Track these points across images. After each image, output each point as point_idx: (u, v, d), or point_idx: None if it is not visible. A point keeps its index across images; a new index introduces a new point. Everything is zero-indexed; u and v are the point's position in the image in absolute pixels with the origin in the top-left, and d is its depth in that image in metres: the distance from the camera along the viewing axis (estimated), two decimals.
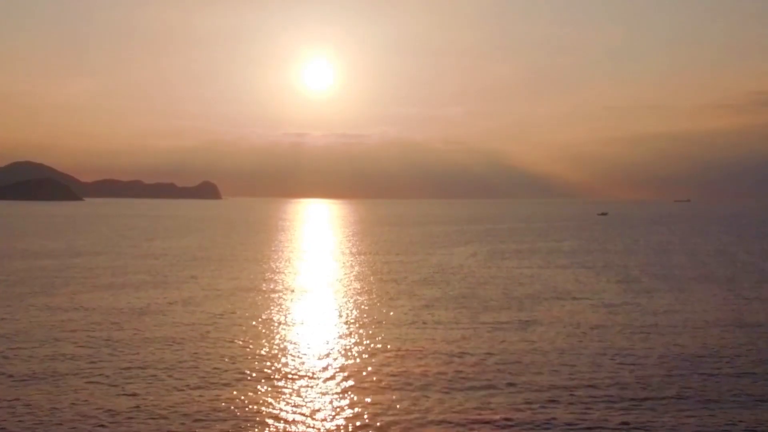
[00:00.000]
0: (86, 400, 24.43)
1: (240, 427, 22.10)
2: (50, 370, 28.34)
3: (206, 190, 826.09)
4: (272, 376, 27.66)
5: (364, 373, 28.09)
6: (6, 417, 22.76)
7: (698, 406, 24.26)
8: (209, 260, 76.37)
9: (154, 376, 27.53)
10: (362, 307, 44.54)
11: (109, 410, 23.41)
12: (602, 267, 70.14)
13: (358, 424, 22.53)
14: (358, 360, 30.37)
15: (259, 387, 26.20)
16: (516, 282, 57.57)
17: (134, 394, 25.17)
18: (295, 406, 24.24)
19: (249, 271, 65.77)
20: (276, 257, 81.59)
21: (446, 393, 25.46)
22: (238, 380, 27.03)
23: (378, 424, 22.44)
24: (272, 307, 44.21)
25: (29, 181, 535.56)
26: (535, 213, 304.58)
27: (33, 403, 24.14)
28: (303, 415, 23.37)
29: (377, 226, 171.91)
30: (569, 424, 22.42)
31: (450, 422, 22.51)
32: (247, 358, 30.48)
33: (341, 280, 59.85)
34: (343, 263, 74.95)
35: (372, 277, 60.97)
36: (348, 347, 32.84)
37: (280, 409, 23.80)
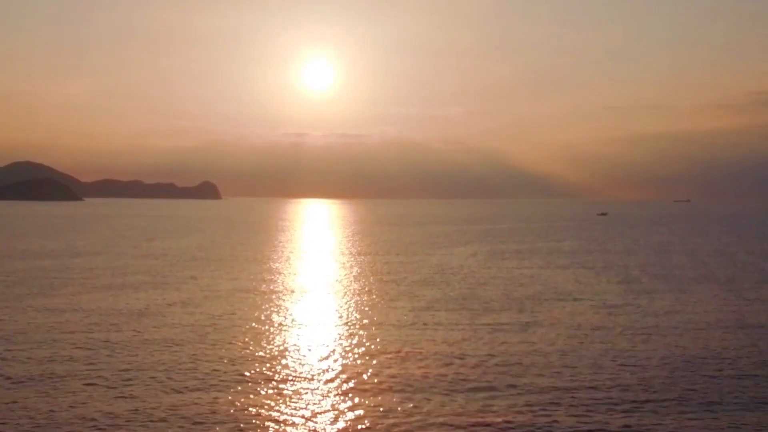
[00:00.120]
0: (85, 403, 24.28)
1: (240, 430, 21.95)
2: (48, 371, 28.18)
3: (206, 190, 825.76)
4: (272, 379, 27.51)
5: (364, 375, 27.94)
6: (4, 419, 22.60)
7: (700, 409, 24.11)
8: (209, 261, 76.23)
9: (153, 378, 27.38)
10: (362, 308, 44.39)
11: (108, 413, 23.26)
12: (602, 267, 70.00)
13: (358, 426, 22.37)
14: (358, 362, 30.22)
15: (258, 389, 26.04)
16: (516, 283, 57.42)
17: (133, 397, 25.02)
18: (294, 408, 24.08)
19: (249, 271, 65.62)
20: (276, 258, 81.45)
21: (446, 395, 25.30)
22: (238, 382, 26.88)
23: (378, 426, 22.29)
24: (272, 309, 44.06)
25: (29, 181, 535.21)
26: (535, 213, 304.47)
27: (31, 405, 23.98)
28: (303, 417, 23.21)
29: (377, 226, 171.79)
30: (571, 427, 22.27)
31: (451, 425, 22.35)
32: (246, 360, 30.33)
33: (341, 280, 59.70)
34: (343, 264, 74.81)
35: (372, 278, 60.83)
36: (348, 349, 32.68)
37: (280, 412, 23.64)
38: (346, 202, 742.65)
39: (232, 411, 23.53)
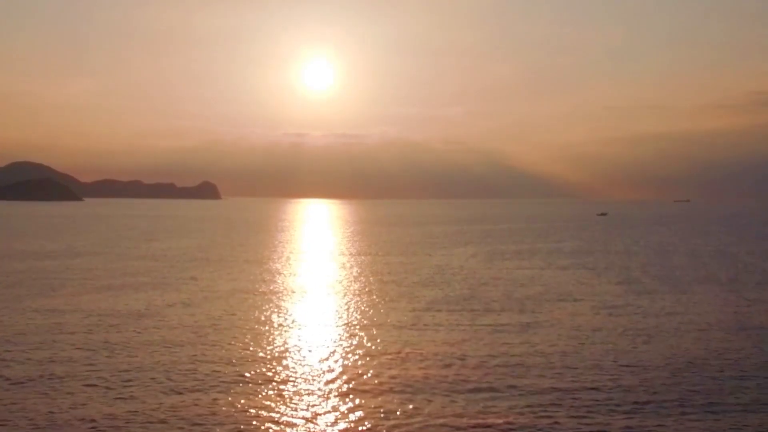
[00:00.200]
0: (84, 404, 24.18)
1: (239, 431, 21.88)
2: (48, 372, 28.08)
3: (206, 190, 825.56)
4: (272, 380, 27.42)
5: (365, 376, 27.85)
6: (3, 420, 22.51)
7: (702, 410, 24.01)
8: (209, 261, 76.15)
9: (153, 379, 27.28)
10: (362, 308, 44.30)
11: (108, 414, 23.16)
12: (603, 268, 69.92)
13: (359, 428, 22.28)
14: (358, 363, 30.13)
15: (258, 390, 25.95)
16: (517, 283, 57.34)
17: (132, 398, 24.93)
18: (294, 409, 23.99)
19: (248, 272, 65.54)
20: (276, 258, 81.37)
21: (447, 396, 25.21)
22: (238, 383, 26.78)
23: (379, 428, 22.20)
24: (272, 309, 43.98)
25: (29, 181, 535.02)
26: (535, 213, 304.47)
27: (30, 406, 23.88)
28: (303, 419, 23.12)
29: (377, 227, 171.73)
30: (572, 429, 22.18)
31: (451, 426, 22.26)
32: (246, 361, 30.24)
33: (341, 281, 59.62)
34: (343, 264, 74.72)
35: (372, 278, 60.74)
36: (348, 350, 32.59)
37: (280, 413, 23.55)
38: (346, 202, 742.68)
39: (232, 412, 23.44)
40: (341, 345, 33.66)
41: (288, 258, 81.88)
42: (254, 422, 22.63)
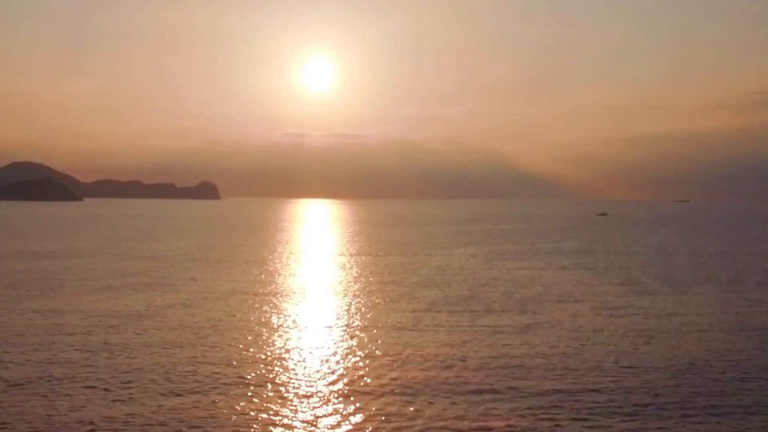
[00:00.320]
0: (83, 406, 24.05)
1: None
2: (47, 374, 27.95)
3: (206, 190, 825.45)
4: (271, 381, 27.29)
5: (365, 378, 27.73)
6: (2, 423, 22.37)
7: (704, 412, 23.89)
8: (208, 262, 76.03)
9: (152, 380, 27.15)
10: (362, 309, 44.18)
11: (107, 416, 23.04)
12: (603, 268, 69.81)
13: (359, 431, 22.16)
14: (358, 364, 30.00)
15: (258, 392, 25.82)
16: (517, 284, 57.22)
17: (131, 399, 24.81)
18: (294, 412, 23.87)
19: (248, 273, 65.42)
20: (275, 259, 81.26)
21: (448, 398, 25.09)
22: (238, 385, 26.65)
23: (379, 430, 22.08)
24: (271, 310, 43.86)
25: (28, 182, 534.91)
26: (535, 213, 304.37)
27: (28, 408, 23.76)
28: (303, 421, 22.99)
29: (377, 227, 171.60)
30: (574, 431, 22.06)
31: (453, 429, 22.13)
32: (246, 363, 30.11)
33: (341, 281, 59.50)
34: (343, 265, 74.60)
35: (372, 279, 60.63)
36: (348, 351, 32.47)
37: (280, 415, 23.43)
38: (346, 202, 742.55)
39: (232, 414, 23.31)
40: (341, 346, 33.54)
41: (288, 258, 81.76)
42: (254, 424, 22.51)
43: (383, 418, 23.08)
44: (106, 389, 25.98)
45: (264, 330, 37.32)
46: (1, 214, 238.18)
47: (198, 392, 25.67)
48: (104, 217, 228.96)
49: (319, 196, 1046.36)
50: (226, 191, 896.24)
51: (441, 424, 22.53)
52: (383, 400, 24.94)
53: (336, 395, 25.61)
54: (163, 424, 22.43)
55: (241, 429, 22.10)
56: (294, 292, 52.28)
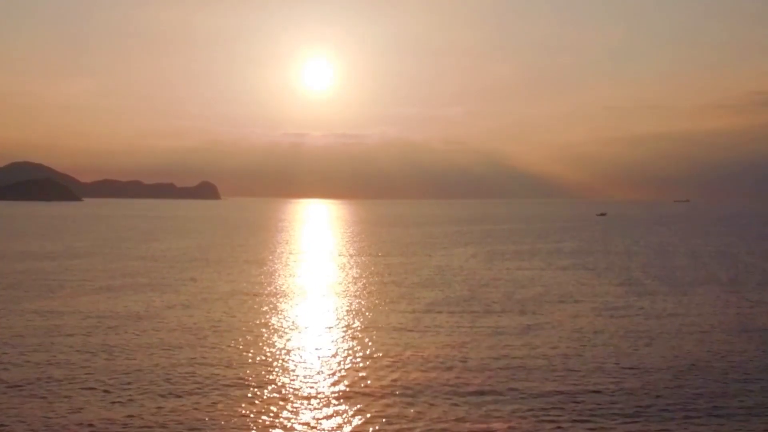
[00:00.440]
0: (82, 408, 23.94)
1: None
2: (45, 375, 27.84)
3: (205, 191, 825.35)
4: (271, 383, 27.17)
5: (365, 380, 27.61)
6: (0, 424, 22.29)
7: (706, 414, 23.78)
8: (208, 262, 75.91)
9: (152, 382, 27.03)
10: (362, 310, 44.07)
11: (106, 418, 22.92)
12: (604, 269, 69.70)
13: None
14: (358, 366, 29.89)
15: (258, 393, 25.71)
16: (517, 284, 57.10)
17: (131, 401, 24.69)
18: (294, 413, 23.75)
19: (248, 273, 65.31)
20: (275, 259, 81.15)
21: (449, 400, 24.98)
22: (237, 386, 26.53)
23: None
24: (271, 311, 43.74)
25: (28, 182, 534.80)
26: (534, 213, 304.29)
27: (26, 410, 23.64)
28: (303, 423, 22.88)
29: (377, 227, 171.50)
30: None
31: (453, 431, 22.02)
32: (246, 364, 29.99)
33: (341, 282, 59.39)
34: (343, 265, 74.50)
35: (372, 280, 60.52)
36: (348, 352, 32.36)
37: (280, 417, 23.30)
38: (346, 202, 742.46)
39: (232, 416, 23.20)
40: (341, 347, 33.42)
41: (288, 259, 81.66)
42: (254, 426, 22.40)
43: (384, 420, 22.97)
44: (105, 391, 25.86)
45: (264, 331, 37.20)
46: (1, 214, 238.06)
47: (198, 394, 25.56)
48: (104, 217, 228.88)
49: (319, 196, 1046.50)
50: (226, 191, 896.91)
51: (442, 426, 22.42)
52: (384, 401, 24.82)
53: (336, 397, 25.49)
54: (162, 425, 22.32)
55: (242, 431, 21.99)
56: (294, 293, 52.17)
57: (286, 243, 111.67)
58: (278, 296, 50.27)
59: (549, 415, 23.40)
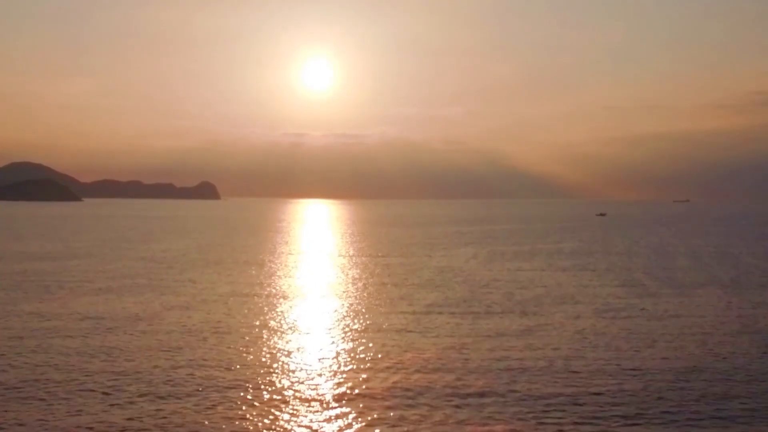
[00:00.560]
0: (80, 410, 23.78)
1: None
2: (43, 377, 27.67)
3: (205, 191, 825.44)
4: (271, 384, 27.01)
5: (365, 382, 27.44)
6: None
7: (709, 417, 23.61)
8: (207, 263, 75.74)
9: (151, 384, 26.87)
10: (362, 312, 43.91)
11: (104, 420, 22.76)
12: (604, 269, 69.53)
13: None
14: (358, 368, 29.72)
15: (258, 395, 25.55)
16: (518, 285, 56.94)
17: (130, 403, 24.53)
18: (294, 416, 23.60)
19: (247, 274, 65.15)
20: (275, 260, 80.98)
21: (450, 402, 24.82)
22: (237, 388, 26.36)
23: None
24: (271, 313, 43.59)
25: (28, 182, 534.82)
26: (534, 213, 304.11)
27: (24, 413, 23.47)
28: (303, 426, 22.72)
29: (376, 227, 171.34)
30: None
31: None
32: (246, 366, 29.83)
33: (340, 283, 59.23)
34: (343, 265, 74.34)
35: (371, 280, 60.35)
36: (348, 354, 32.19)
37: (280, 420, 23.15)
38: (346, 202, 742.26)
39: (231, 418, 23.04)
40: (341, 349, 33.26)
41: (287, 260, 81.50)
42: (254, 429, 22.24)
43: (384, 422, 22.81)
44: (104, 393, 25.69)
45: (264, 332, 37.04)
46: (1, 214, 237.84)
47: (198, 396, 25.39)
48: (103, 217, 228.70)
49: (319, 196, 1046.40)
50: (225, 191, 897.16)
51: (443, 428, 22.27)
52: (384, 403, 24.66)
53: (336, 399, 25.34)
54: (162, 428, 22.17)
55: None
56: (294, 294, 52.01)
57: (286, 243, 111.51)
58: (278, 297, 50.11)
59: (550, 418, 23.25)
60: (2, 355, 31.43)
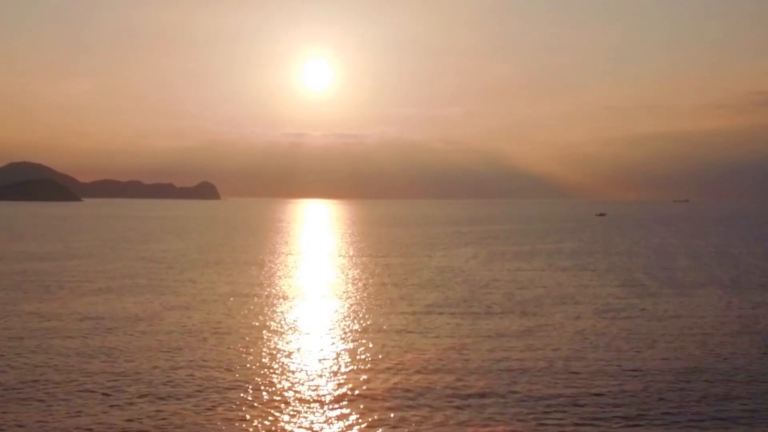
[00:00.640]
0: (79, 411, 23.73)
1: None
2: (42, 378, 27.62)
3: (205, 191, 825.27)
4: (271, 385, 26.96)
5: (365, 383, 27.39)
6: None
7: (709, 417, 23.57)
8: (207, 263, 75.69)
9: (150, 384, 26.82)
10: (362, 312, 43.86)
11: (104, 422, 22.71)
12: (604, 270, 69.48)
13: None
14: (358, 368, 29.67)
15: (258, 396, 25.50)
16: (518, 285, 56.89)
17: (129, 404, 24.48)
18: (294, 416, 23.55)
19: (247, 274, 65.10)
20: (275, 260, 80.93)
21: (450, 403, 24.77)
22: (237, 389, 26.32)
23: None
24: (270, 313, 43.54)
25: (28, 182, 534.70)
26: (534, 213, 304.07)
27: (23, 414, 23.42)
28: (302, 427, 22.68)
29: (376, 227, 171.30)
30: None
31: None
32: (246, 366, 29.78)
33: (340, 283, 59.18)
34: (342, 266, 74.30)
35: (371, 281, 60.30)
36: (348, 354, 32.14)
37: (279, 420, 23.10)
38: (346, 202, 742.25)
39: (231, 419, 22.99)
40: (341, 350, 33.21)
41: (287, 260, 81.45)
42: (254, 430, 22.19)
43: (385, 423, 22.76)
44: (104, 394, 25.64)
45: (264, 333, 36.98)
46: (1, 214, 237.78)
47: (197, 397, 25.34)
48: (103, 217, 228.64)
49: (319, 196, 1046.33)
50: (225, 191, 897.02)
51: (443, 430, 22.22)
52: (384, 404, 24.61)
53: (336, 400, 25.29)
54: (162, 429, 22.12)
55: None
56: (294, 295, 51.96)
57: (286, 244, 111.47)
58: (278, 298, 50.05)
59: (551, 419, 23.21)
60: (2, 355, 31.37)
